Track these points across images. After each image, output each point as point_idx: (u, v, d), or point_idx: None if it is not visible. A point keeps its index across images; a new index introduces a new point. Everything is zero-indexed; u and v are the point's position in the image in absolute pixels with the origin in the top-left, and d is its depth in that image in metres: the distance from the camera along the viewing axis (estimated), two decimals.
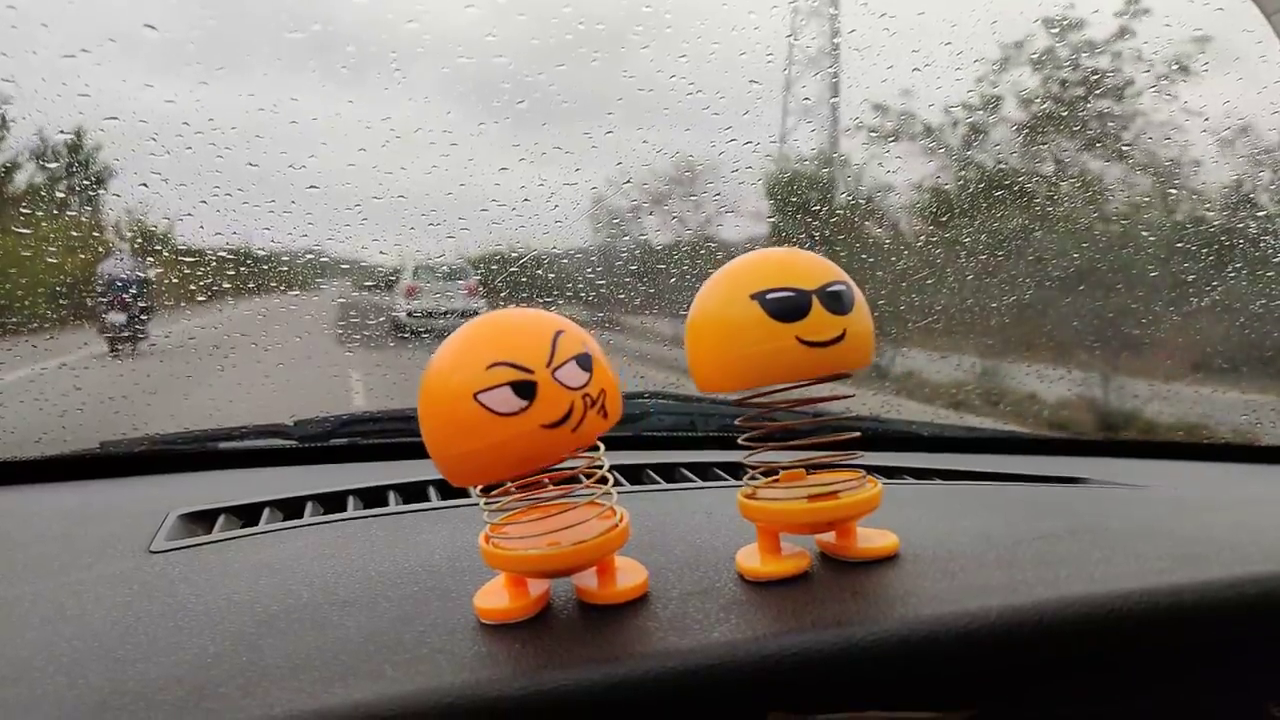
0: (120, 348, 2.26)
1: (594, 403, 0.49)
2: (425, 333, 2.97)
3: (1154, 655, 0.56)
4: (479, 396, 0.47)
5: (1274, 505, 0.90)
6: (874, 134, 2.61)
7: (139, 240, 1.81)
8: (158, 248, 1.52)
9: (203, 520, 0.81)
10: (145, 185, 1.15)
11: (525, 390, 0.47)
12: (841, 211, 2.73)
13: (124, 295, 2.21)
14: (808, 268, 0.53)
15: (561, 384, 0.48)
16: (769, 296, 0.52)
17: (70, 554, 0.71)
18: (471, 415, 0.47)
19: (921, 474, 0.99)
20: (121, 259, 2.19)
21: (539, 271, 1.37)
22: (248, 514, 0.83)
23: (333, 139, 1.31)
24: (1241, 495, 1.01)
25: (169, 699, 0.45)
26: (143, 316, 2.26)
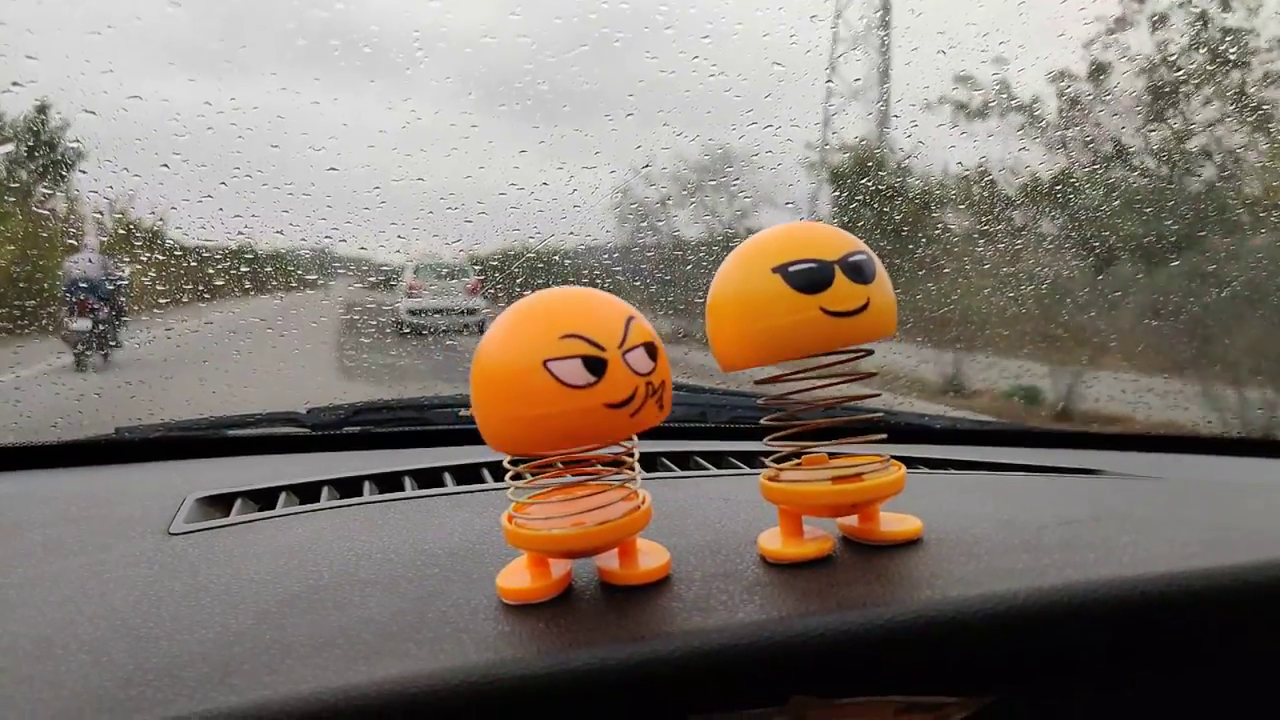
0: (99, 345, 2.08)
1: (654, 392, 0.49)
2: (426, 330, 2.96)
3: (1184, 640, 0.55)
4: (549, 364, 0.47)
5: None
6: (962, 107, 2.42)
7: (152, 229, 1.75)
8: (174, 233, 1.50)
9: (220, 504, 0.82)
10: (166, 166, 1.14)
11: (596, 366, 0.47)
12: (916, 199, 2.56)
13: (100, 295, 2.05)
14: (828, 239, 0.53)
15: (630, 367, 0.48)
16: (791, 268, 0.51)
17: (89, 535, 0.71)
18: (538, 381, 0.47)
19: (936, 464, 0.99)
20: (94, 257, 2.02)
21: (555, 258, 1.36)
22: (264, 498, 0.83)
23: (354, 121, 1.30)
24: (1265, 484, 1.00)
25: (193, 675, 0.45)
26: (119, 318, 2.08)
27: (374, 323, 1.81)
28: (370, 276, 2.06)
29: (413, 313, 3.08)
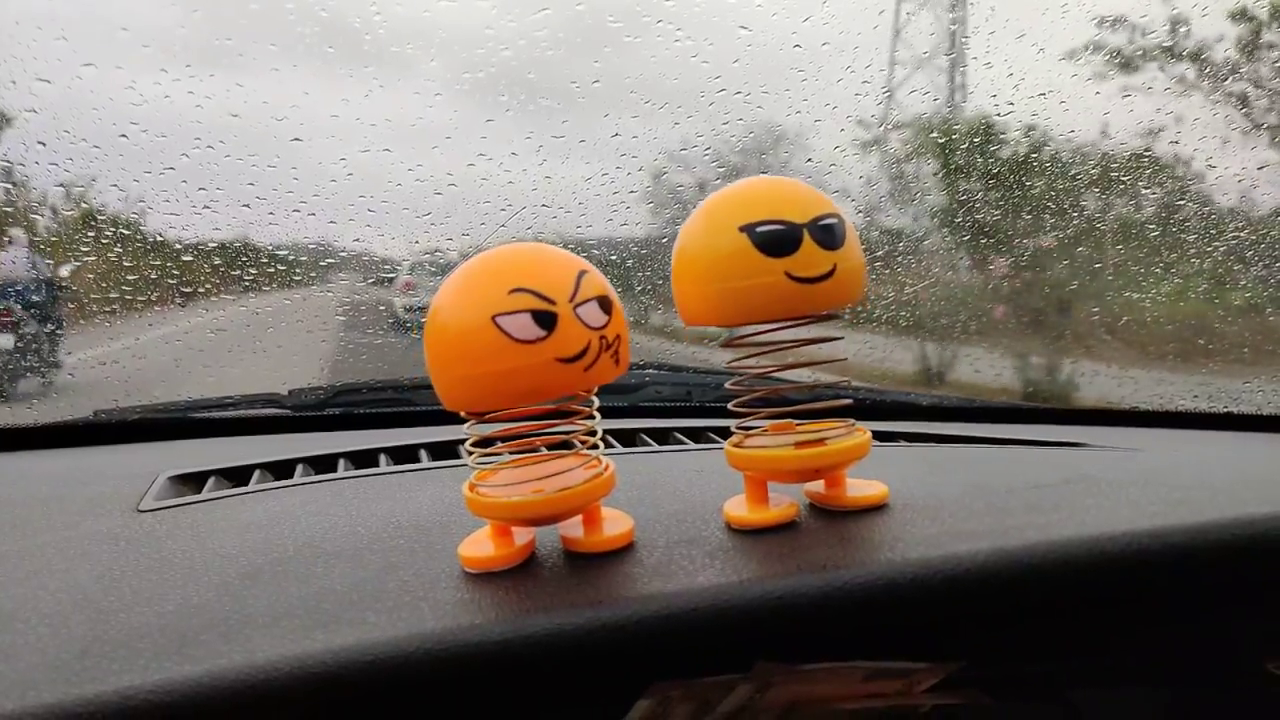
0: (28, 367, 1.65)
1: (609, 346, 0.48)
2: (421, 327, 2.96)
3: (1147, 599, 0.55)
4: (497, 319, 0.46)
5: (1274, 460, 0.90)
6: (1117, 56, 2.00)
7: (117, 217, 1.47)
8: (137, 213, 1.42)
9: (192, 481, 0.81)
10: (125, 136, 1.13)
11: (545, 320, 0.46)
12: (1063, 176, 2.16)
13: (31, 303, 1.69)
14: (799, 198, 0.52)
15: (582, 321, 0.47)
16: (758, 229, 0.50)
17: (58, 513, 0.71)
18: (487, 337, 0.46)
19: (916, 438, 0.98)
20: (23, 255, 1.66)
21: (529, 230, 1.35)
22: (238, 475, 0.83)
23: (315, 90, 1.28)
24: (1243, 453, 1.00)
25: (149, 646, 0.45)
26: (56, 332, 1.67)
27: (366, 314, 1.79)
28: (365, 273, 2.01)
29: (409, 309, 3.10)
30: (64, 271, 1.64)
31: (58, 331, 1.73)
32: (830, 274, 0.51)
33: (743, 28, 1.40)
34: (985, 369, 2.37)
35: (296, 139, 1.22)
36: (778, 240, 0.50)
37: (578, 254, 0.52)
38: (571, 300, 0.47)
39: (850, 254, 0.52)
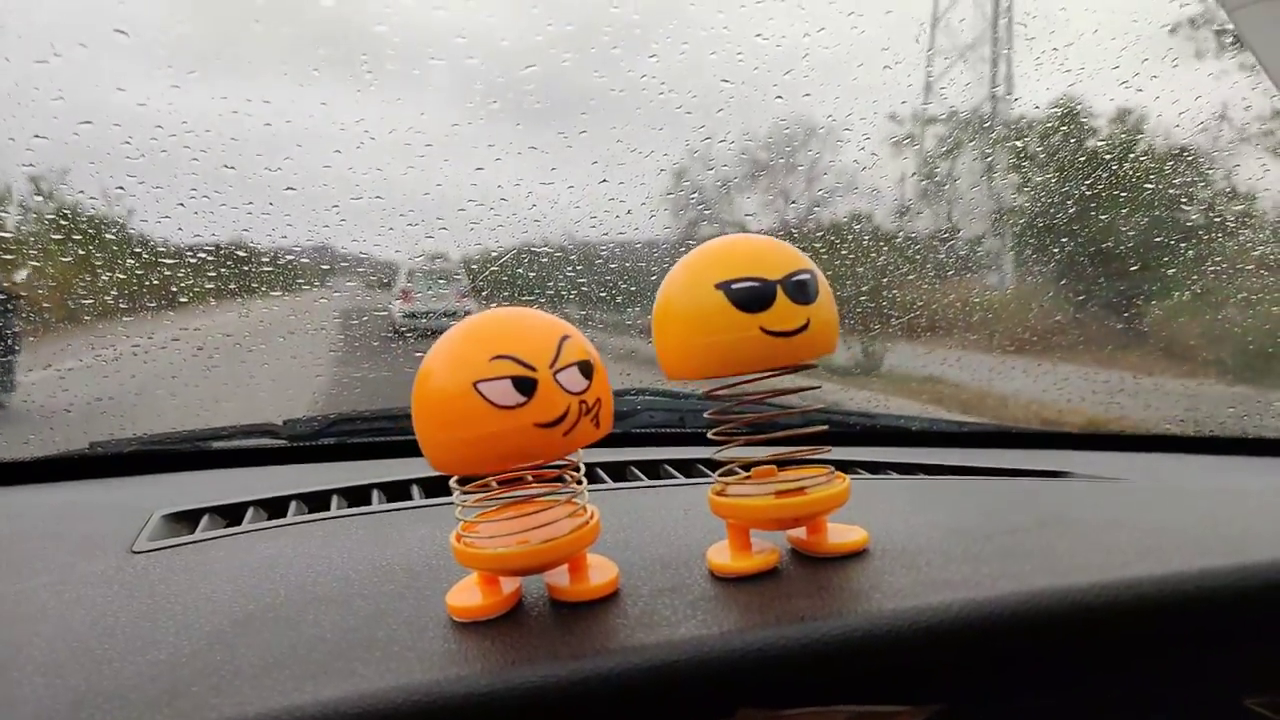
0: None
1: (589, 410, 0.50)
2: (417, 334, 2.99)
3: (1120, 648, 0.56)
4: (479, 386, 0.48)
5: (1246, 497, 0.91)
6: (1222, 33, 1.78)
7: (95, 217, 1.39)
8: (137, 251, 1.42)
9: (186, 520, 0.82)
10: (122, 189, 1.16)
11: (525, 386, 0.48)
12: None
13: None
14: (773, 256, 0.54)
15: (561, 386, 0.49)
16: (733, 286, 0.52)
17: (54, 554, 0.72)
18: (469, 403, 0.48)
19: (906, 469, 1.00)
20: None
21: (519, 270, 1.38)
22: (231, 514, 0.84)
23: (307, 141, 1.32)
24: (1218, 486, 1.02)
25: (141, 698, 0.46)
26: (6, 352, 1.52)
27: (361, 331, 1.80)
28: (351, 285, 2.03)
29: (408, 316, 3.13)
30: (21, 274, 1.52)
31: (10, 353, 1.59)
32: (804, 328, 0.52)
33: (725, 81, 1.44)
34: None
35: (290, 189, 1.25)
36: (753, 297, 0.52)
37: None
38: (552, 366, 0.49)
39: (823, 308, 0.54)
